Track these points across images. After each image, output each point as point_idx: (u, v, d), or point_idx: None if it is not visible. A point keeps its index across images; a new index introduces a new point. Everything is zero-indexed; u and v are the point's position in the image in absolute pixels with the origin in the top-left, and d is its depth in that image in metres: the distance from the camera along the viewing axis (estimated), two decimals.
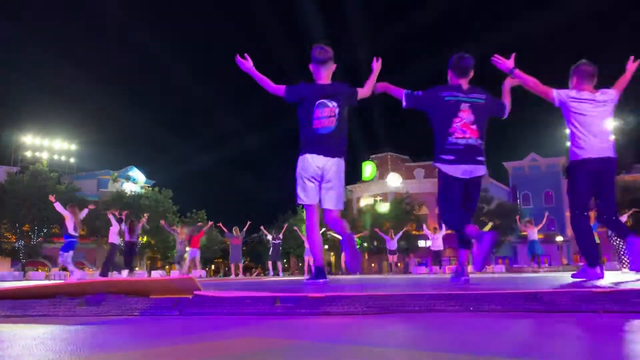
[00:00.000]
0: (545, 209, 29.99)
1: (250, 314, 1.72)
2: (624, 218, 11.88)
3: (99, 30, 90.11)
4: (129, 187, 38.74)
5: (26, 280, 17.70)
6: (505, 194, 40.74)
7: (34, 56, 73.58)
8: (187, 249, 14.34)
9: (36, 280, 16.26)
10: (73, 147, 43.08)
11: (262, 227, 17.49)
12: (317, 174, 3.76)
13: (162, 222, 15.07)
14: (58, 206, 10.20)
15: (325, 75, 3.89)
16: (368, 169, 45.40)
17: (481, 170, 3.79)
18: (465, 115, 3.73)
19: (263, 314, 1.71)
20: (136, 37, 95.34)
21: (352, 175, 47.01)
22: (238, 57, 3.90)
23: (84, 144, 44.22)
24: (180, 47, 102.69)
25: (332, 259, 38.04)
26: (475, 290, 1.85)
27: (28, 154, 40.23)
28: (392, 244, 17.13)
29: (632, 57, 4.18)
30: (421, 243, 35.81)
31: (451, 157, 3.74)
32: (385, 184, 43.28)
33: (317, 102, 3.76)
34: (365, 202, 44.05)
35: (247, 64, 3.88)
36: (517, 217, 16.50)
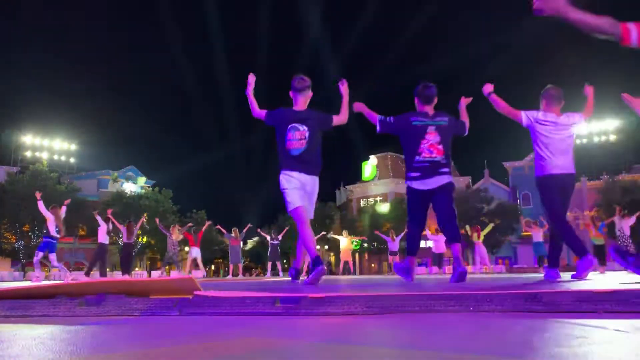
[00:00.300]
0: None
1: (250, 314, 1.72)
2: (632, 220, 11.81)
3: (99, 30, 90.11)
4: (129, 187, 38.74)
5: (26, 280, 17.70)
6: (505, 194, 40.73)
7: (34, 56, 73.56)
8: (187, 248, 14.32)
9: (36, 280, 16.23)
10: (73, 147, 43.06)
11: (259, 230, 17.46)
12: (300, 186, 4.15)
13: (157, 220, 15.06)
14: (41, 206, 9.93)
15: (302, 102, 4.31)
16: (368, 169, 45.39)
17: (445, 179, 4.19)
18: (432, 137, 4.18)
19: (263, 314, 1.71)
20: (136, 37, 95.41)
21: (352, 175, 47.03)
22: (249, 76, 4.41)
23: (84, 144, 44.24)
24: (180, 47, 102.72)
25: (332, 259, 38.03)
26: (475, 290, 1.85)
27: (28, 154, 40.21)
28: (394, 245, 17.08)
29: (585, 84, 4.62)
30: (421, 244, 35.75)
31: (417, 174, 4.21)
32: (385, 184, 43.25)
33: (290, 126, 4.15)
34: (365, 202, 44.02)
35: (250, 86, 4.38)
36: (521, 218, 16.51)
